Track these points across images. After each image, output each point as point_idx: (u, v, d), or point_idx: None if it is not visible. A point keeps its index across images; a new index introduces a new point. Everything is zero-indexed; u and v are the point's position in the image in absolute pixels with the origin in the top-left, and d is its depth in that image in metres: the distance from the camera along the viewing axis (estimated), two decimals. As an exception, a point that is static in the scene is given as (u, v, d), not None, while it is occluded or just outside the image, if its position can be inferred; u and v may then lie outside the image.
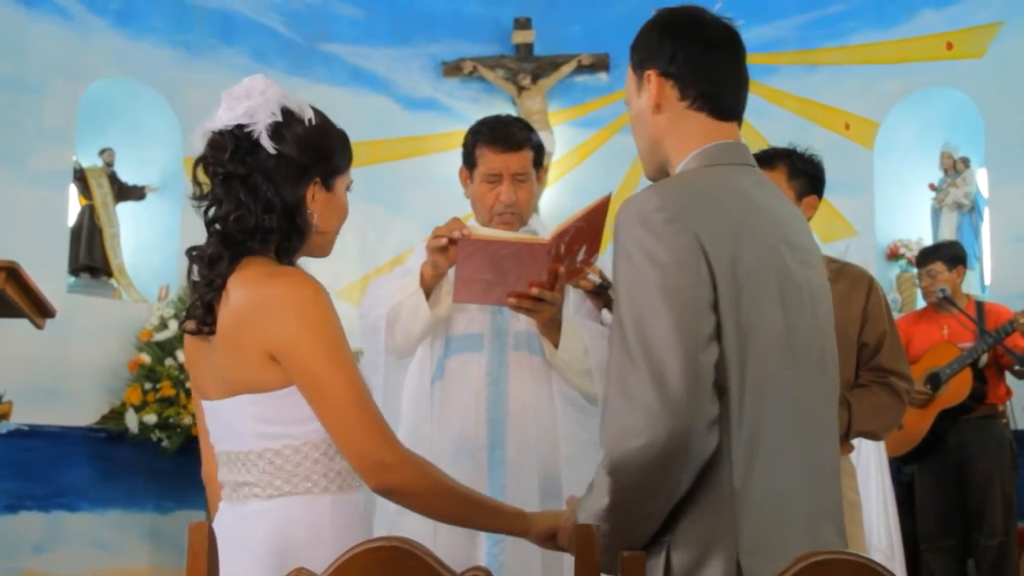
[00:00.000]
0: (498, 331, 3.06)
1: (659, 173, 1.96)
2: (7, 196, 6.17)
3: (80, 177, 6.76)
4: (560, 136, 7.88)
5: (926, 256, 5.77)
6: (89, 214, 6.77)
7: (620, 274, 1.78)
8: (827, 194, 6.91)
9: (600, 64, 7.94)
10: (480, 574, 1.48)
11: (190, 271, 2.02)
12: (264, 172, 1.93)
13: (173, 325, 6.49)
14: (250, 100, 1.94)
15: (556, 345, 2.88)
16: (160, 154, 7.11)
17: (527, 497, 2.87)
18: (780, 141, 7.07)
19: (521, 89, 7.94)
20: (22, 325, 5.33)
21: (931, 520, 5.63)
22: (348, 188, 2.12)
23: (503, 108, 7.61)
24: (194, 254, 2.00)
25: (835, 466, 1.95)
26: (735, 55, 1.96)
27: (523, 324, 2.97)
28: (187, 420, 6.34)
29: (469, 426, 3.04)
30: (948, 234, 6.82)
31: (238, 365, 1.94)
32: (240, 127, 1.93)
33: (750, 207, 1.83)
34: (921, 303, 6.42)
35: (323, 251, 2.10)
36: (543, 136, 7.50)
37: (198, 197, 2.00)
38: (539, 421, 3.02)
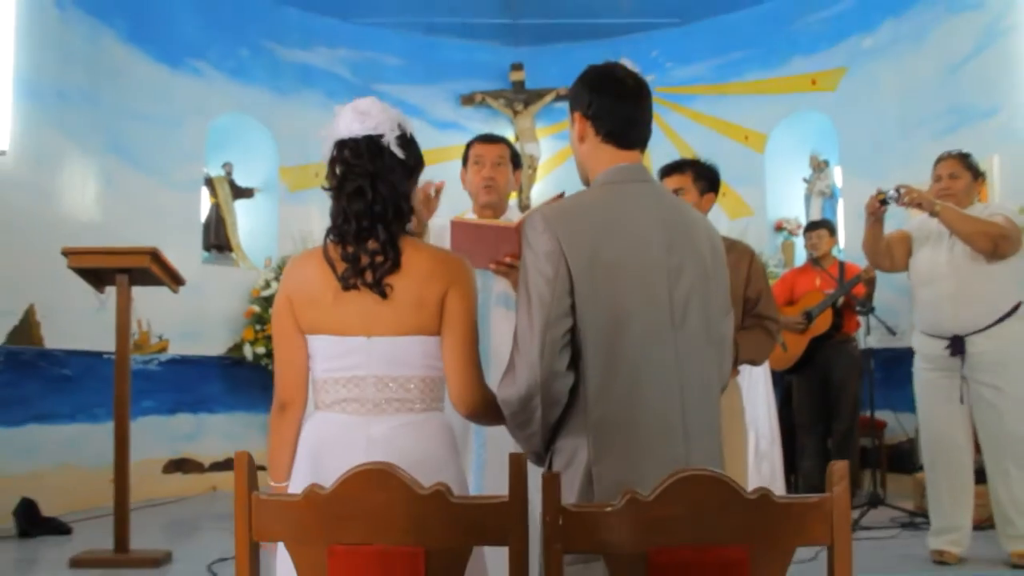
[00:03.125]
0: (484, 289, 2.86)
1: (585, 178, 1.97)
2: (159, 199, 6.45)
3: (209, 183, 7.05)
4: (545, 145, 8.09)
5: (814, 225, 6.00)
6: (215, 209, 7.07)
7: (519, 277, 1.84)
8: (732, 185, 7.39)
9: (572, 94, 8.18)
10: (442, 488, 1.50)
11: (354, 249, 1.86)
12: (392, 171, 1.90)
13: (274, 285, 6.66)
14: (375, 117, 1.90)
15: None
16: (262, 166, 7.36)
17: None
18: (699, 147, 7.52)
19: (516, 113, 8.15)
20: (171, 291, 5.67)
21: (804, 413, 5.80)
22: None
23: (504, 125, 8.07)
24: (362, 244, 1.87)
25: (700, 393, 1.86)
26: (639, 101, 1.92)
27: (502, 286, 2.94)
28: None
29: None
30: (816, 214, 7.03)
31: (415, 314, 1.89)
32: (371, 138, 1.89)
33: (612, 217, 1.81)
34: (799, 262, 6.77)
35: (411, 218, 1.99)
36: (532, 146, 7.96)
37: (331, 188, 1.92)
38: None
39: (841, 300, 5.60)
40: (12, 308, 5.18)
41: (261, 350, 6.68)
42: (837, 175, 7.08)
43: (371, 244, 1.87)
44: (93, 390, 5.58)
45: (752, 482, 4.69)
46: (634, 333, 1.76)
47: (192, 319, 6.42)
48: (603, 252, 1.77)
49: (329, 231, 1.93)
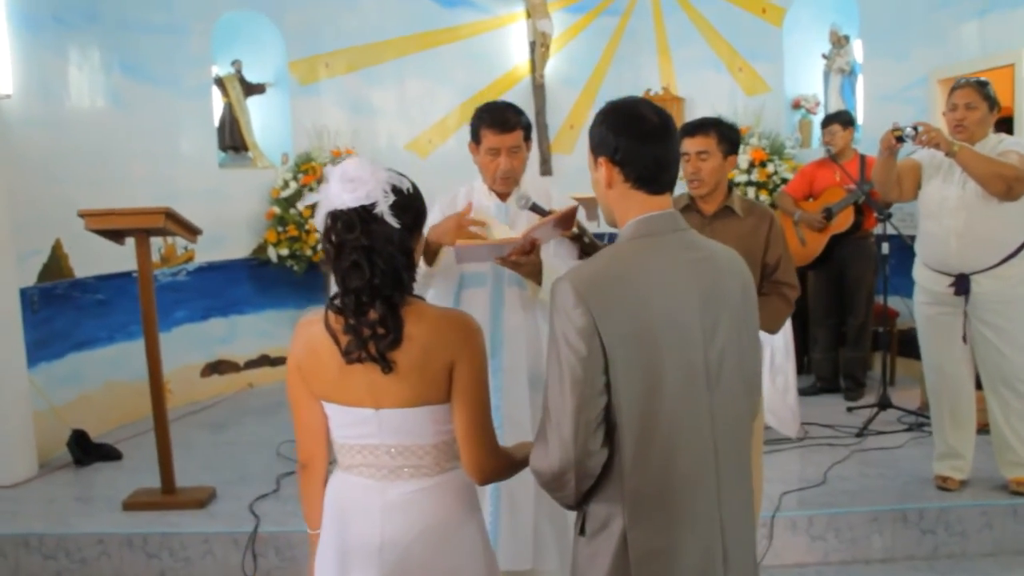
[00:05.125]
0: (497, 273, 3.00)
1: (613, 222, 1.86)
2: (172, 109, 6.23)
3: (220, 83, 6.76)
4: (557, 19, 7.58)
5: (829, 120, 5.73)
6: (228, 109, 6.81)
7: (548, 343, 1.73)
8: (749, 60, 7.05)
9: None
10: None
11: (354, 322, 1.80)
12: (389, 239, 1.78)
13: (293, 185, 6.61)
14: (366, 184, 1.77)
15: (539, 285, 2.85)
16: (272, 58, 7.02)
17: (519, 390, 2.98)
18: (716, 20, 7.13)
19: (529, -12, 7.62)
20: (192, 200, 5.64)
21: (819, 307, 5.84)
22: None
23: (516, 2, 7.65)
24: (362, 318, 1.80)
25: (734, 445, 1.80)
26: (667, 141, 1.78)
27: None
28: (307, 251, 6.57)
29: None
30: (834, 92, 6.70)
31: (422, 385, 1.82)
32: (363, 208, 1.77)
33: (645, 283, 1.70)
34: (815, 143, 6.60)
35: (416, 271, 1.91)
36: (544, 22, 7.58)
37: (327, 261, 1.83)
38: (527, 337, 3.02)
39: (862, 198, 5.43)
40: (40, 247, 5.14)
41: (284, 251, 6.63)
42: (857, 51, 6.68)
43: (372, 315, 1.80)
44: (127, 310, 5.62)
45: (768, 395, 4.76)
46: (669, 401, 1.69)
47: (215, 225, 6.21)
48: (638, 324, 1.67)
49: (330, 301, 1.86)
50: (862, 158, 5.61)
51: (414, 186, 1.88)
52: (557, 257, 3.01)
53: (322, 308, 1.88)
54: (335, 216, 1.79)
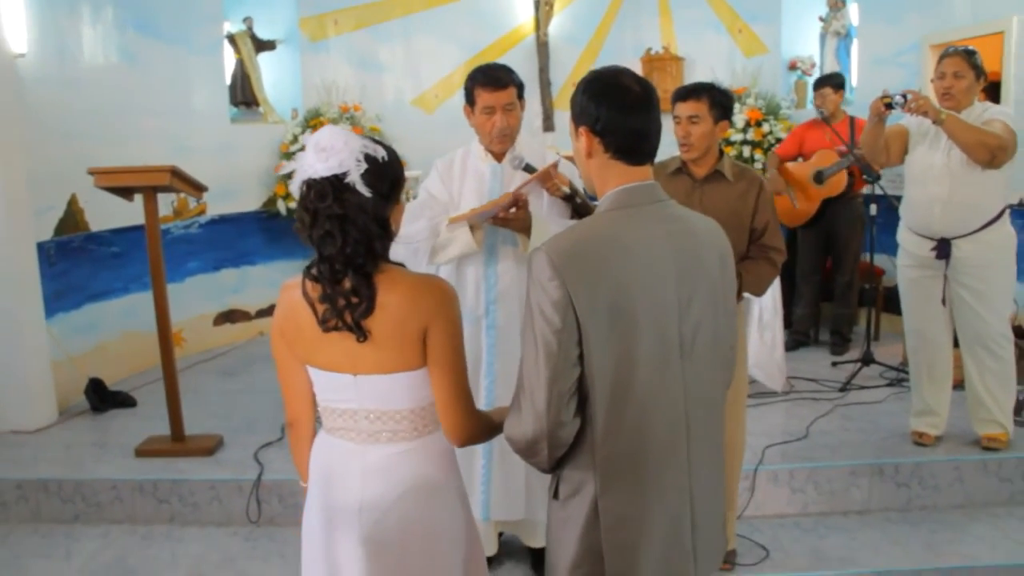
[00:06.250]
0: (490, 231, 3.01)
1: (593, 192, 1.81)
2: (184, 64, 6.13)
3: (231, 39, 6.66)
4: None
5: (820, 82, 5.64)
6: (239, 65, 6.72)
7: (524, 313, 1.69)
8: (748, 22, 6.92)
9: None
10: None
11: (330, 290, 1.76)
12: (362, 208, 1.73)
13: (301, 139, 6.48)
14: (339, 153, 1.71)
15: (529, 239, 2.84)
16: (282, 15, 6.91)
17: (512, 348, 2.87)
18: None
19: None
20: (204, 155, 5.65)
21: (806, 264, 5.80)
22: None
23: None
24: (337, 287, 1.75)
25: (706, 414, 1.77)
26: (647, 112, 1.71)
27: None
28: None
29: (471, 298, 3.05)
30: (830, 54, 6.61)
31: (398, 352, 1.79)
32: (336, 176, 1.71)
33: (622, 255, 1.64)
34: (810, 104, 6.43)
35: (393, 239, 1.85)
36: (546, -20, 7.41)
37: (303, 229, 1.76)
38: (520, 295, 2.96)
39: (854, 162, 5.35)
40: (56, 202, 5.12)
41: (294, 204, 6.51)
42: (854, 14, 6.54)
43: (346, 284, 1.76)
44: (142, 260, 5.44)
45: (756, 350, 4.76)
46: (642, 373, 1.65)
47: (226, 178, 6.28)
48: (613, 296, 1.62)
49: (307, 269, 1.82)
50: (852, 120, 5.53)
51: (390, 154, 1.81)
52: (549, 215, 2.99)
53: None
54: (309, 185, 1.74)
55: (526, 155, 3.00)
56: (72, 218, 5.23)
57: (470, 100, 2.98)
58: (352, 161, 1.73)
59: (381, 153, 1.78)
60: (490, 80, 2.92)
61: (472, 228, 2.92)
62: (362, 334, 1.76)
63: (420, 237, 2.97)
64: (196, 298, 6.25)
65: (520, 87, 3.00)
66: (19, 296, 4.70)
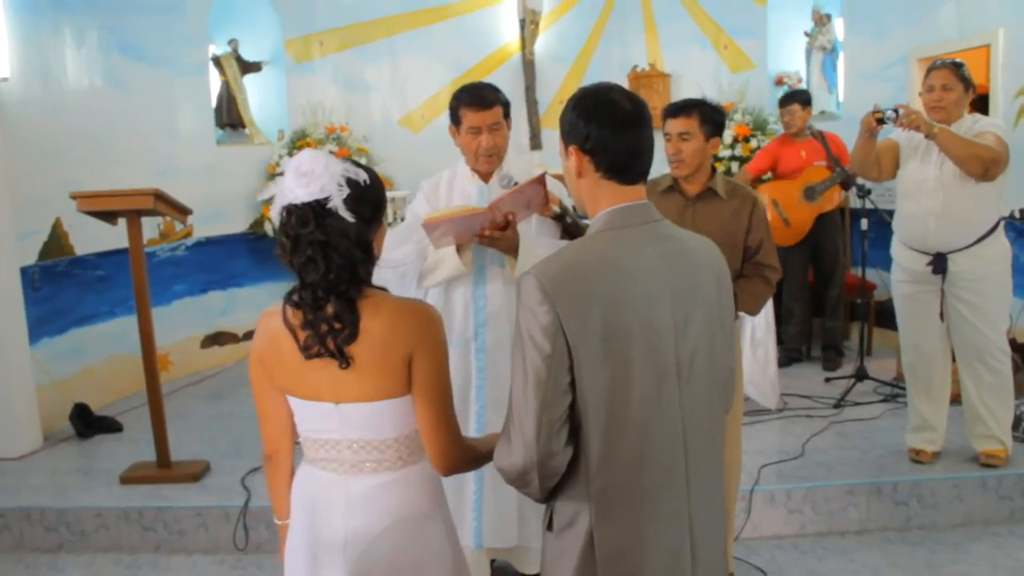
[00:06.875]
0: (479, 253, 2.91)
1: (584, 212, 1.74)
2: (170, 88, 6.03)
3: (217, 62, 6.62)
4: None
5: (787, 99, 5.60)
6: (225, 87, 6.67)
7: (513, 339, 1.61)
8: (734, 38, 6.87)
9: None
10: None
11: (312, 317, 1.69)
12: (344, 234, 1.67)
13: (282, 163, 6.20)
14: (320, 178, 1.65)
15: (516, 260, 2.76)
16: (268, 37, 6.87)
17: (502, 372, 2.60)
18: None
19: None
20: (190, 177, 5.57)
21: (795, 281, 5.67)
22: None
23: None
24: (319, 313, 1.69)
25: (705, 440, 1.68)
26: (639, 129, 1.64)
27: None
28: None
29: (459, 321, 2.96)
30: (816, 69, 6.59)
31: (381, 379, 1.72)
32: (317, 202, 1.65)
33: (614, 278, 1.56)
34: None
35: (376, 263, 1.79)
36: (534, 0, 7.37)
37: (284, 255, 1.71)
38: (509, 316, 2.87)
39: (844, 176, 5.18)
40: (39, 226, 5.01)
41: (281, 226, 6.47)
42: (839, 29, 6.51)
43: (328, 309, 1.70)
44: (128, 283, 5.27)
45: (749, 368, 4.67)
46: (637, 400, 1.57)
47: (213, 200, 6.19)
48: (606, 321, 1.54)
49: (287, 295, 1.76)
50: (822, 135, 5.42)
51: (372, 176, 1.75)
52: (539, 236, 2.91)
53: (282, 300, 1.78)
54: (290, 210, 1.68)
55: (515, 174, 2.92)
56: (57, 242, 5.12)
57: (455, 120, 2.92)
58: (333, 186, 1.67)
59: (363, 176, 1.73)
60: (475, 100, 2.85)
61: (459, 249, 2.84)
62: (345, 360, 1.69)
63: (407, 261, 2.90)
64: (183, 321, 6.14)
65: (506, 106, 2.93)
66: (2, 321, 4.59)
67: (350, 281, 1.70)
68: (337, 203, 1.66)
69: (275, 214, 1.71)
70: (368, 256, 1.73)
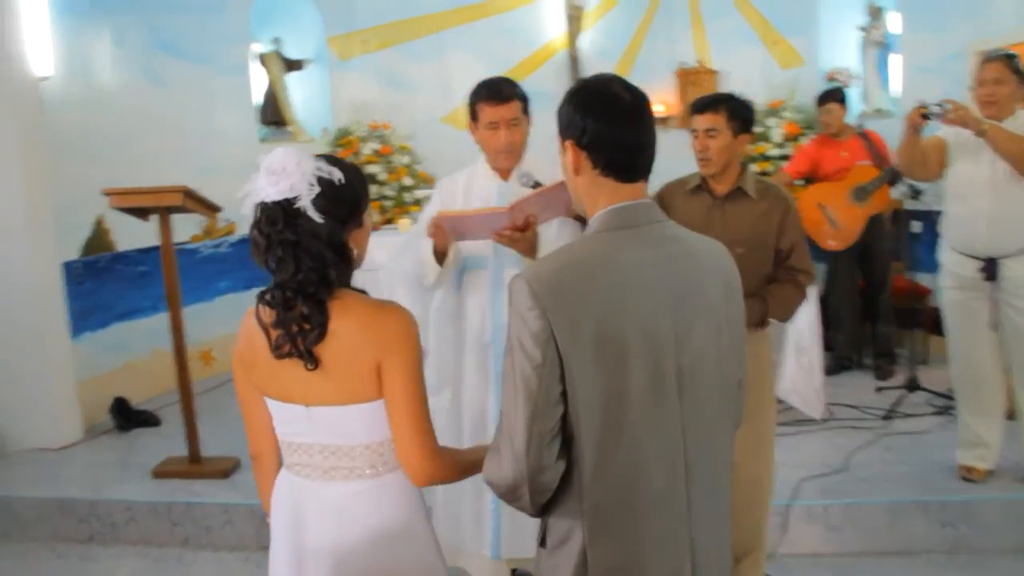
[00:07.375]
0: (497, 255, 2.85)
1: (584, 212, 1.64)
2: (211, 84, 6.03)
3: (261, 60, 6.62)
4: None
5: (824, 97, 5.40)
6: (269, 85, 6.68)
7: (506, 346, 1.52)
8: (784, 33, 6.62)
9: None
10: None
11: (282, 316, 1.64)
12: (314, 234, 1.61)
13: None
14: (290, 177, 1.60)
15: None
16: (311, 36, 6.86)
17: None
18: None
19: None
20: (233, 175, 5.54)
21: (845, 286, 5.44)
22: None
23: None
24: (290, 312, 1.63)
25: (708, 459, 1.58)
26: (639, 123, 1.55)
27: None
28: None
29: (476, 325, 2.89)
30: (870, 65, 6.30)
31: (350, 383, 1.66)
32: (287, 201, 1.60)
33: (610, 282, 1.47)
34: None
35: (358, 265, 1.75)
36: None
37: (258, 253, 1.67)
38: None
39: (893, 176, 5.03)
40: (83, 222, 5.06)
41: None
42: (892, 23, 6.21)
43: (298, 310, 1.64)
44: None
45: (792, 375, 4.47)
46: (634, 411, 1.47)
47: (257, 198, 6.20)
48: (600, 327, 1.44)
49: (261, 294, 1.72)
50: (864, 134, 5.26)
51: (350, 176, 1.69)
52: (560, 239, 2.78)
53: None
54: (261, 208, 1.64)
55: (534, 172, 2.80)
56: (99, 238, 5.17)
57: (473, 115, 2.87)
58: (304, 185, 1.61)
59: (338, 175, 1.66)
60: (493, 94, 2.79)
61: (446, 250, 2.76)
62: (311, 361, 1.64)
63: (410, 267, 2.90)
64: (226, 317, 6.08)
65: (525, 100, 2.85)
66: (44, 315, 4.66)
67: (319, 283, 1.64)
68: (306, 203, 1.60)
69: (247, 211, 1.66)
70: (342, 257, 1.67)
